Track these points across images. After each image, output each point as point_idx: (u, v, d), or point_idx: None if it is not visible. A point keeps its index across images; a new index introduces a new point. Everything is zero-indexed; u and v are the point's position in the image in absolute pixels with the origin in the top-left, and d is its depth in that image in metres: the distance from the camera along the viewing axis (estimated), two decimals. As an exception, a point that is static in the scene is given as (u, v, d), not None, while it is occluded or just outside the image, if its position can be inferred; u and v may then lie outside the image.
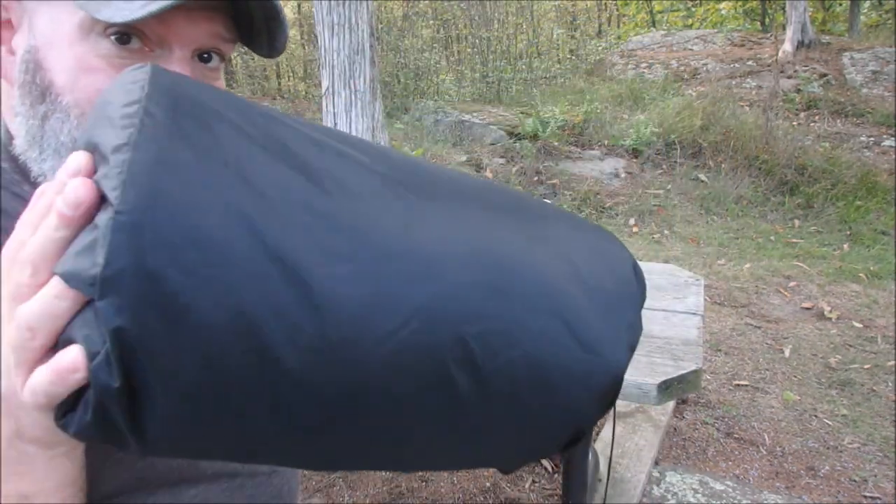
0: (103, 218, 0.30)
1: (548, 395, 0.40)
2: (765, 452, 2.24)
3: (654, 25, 12.42)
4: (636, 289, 0.47)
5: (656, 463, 2.12)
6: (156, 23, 0.51)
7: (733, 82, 7.33)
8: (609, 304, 0.44)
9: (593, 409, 0.43)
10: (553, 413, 0.41)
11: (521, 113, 6.57)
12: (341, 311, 0.33)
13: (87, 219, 0.32)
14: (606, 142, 6.02)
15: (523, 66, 9.01)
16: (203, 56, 0.57)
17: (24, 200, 0.55)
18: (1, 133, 0.58)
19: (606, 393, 0.42)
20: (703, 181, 5.53)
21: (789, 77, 7.25)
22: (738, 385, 2.69)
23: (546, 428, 0.42)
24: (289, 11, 12.56)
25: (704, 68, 7.97)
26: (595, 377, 0.41)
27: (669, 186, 5.49)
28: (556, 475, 2.08)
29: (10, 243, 0.36)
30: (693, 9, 12.42)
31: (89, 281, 0.29)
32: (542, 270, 0.41)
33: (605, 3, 13.43)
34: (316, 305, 0.33)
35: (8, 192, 0.55)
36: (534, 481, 2.06)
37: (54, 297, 0.32)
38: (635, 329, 0.45)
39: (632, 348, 0.44)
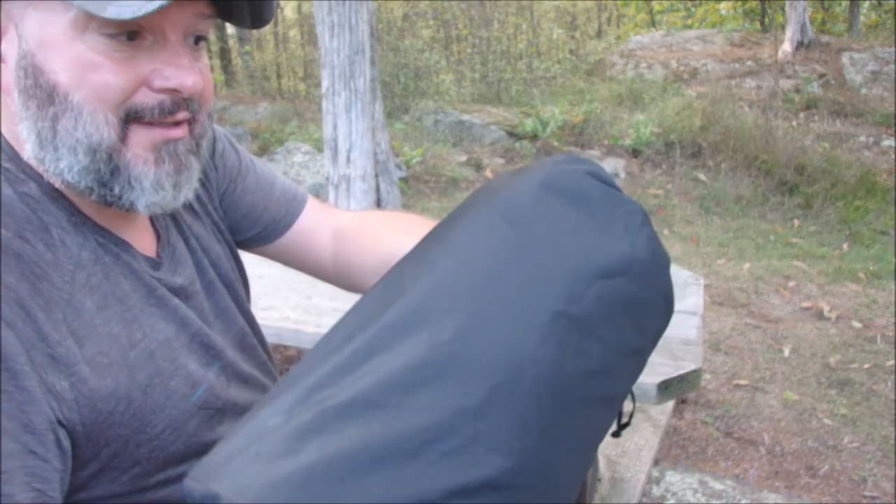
0: None
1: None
2: (764, 452, 2.24)
3: (653, 25, 12.42)
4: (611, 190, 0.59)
5: (656, 462, 2.12)
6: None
7: (733, 82, 7.33)
8: (599, 222, 0.55)
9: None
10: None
11: (521, 113, 6.57)
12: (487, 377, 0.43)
13: None
14: (606, 142, 6.02)
15: (523, 67, 9.01)
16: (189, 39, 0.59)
17: (30, 198, 0.57)
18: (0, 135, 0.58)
19: (654, 240, 0.56)
20: (702, 181, 5.53)
21: (789, 77, 7.25)
22: (738, 385, 2.69)
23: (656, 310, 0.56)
24: (289, 11, 12.56)
25: (704, 68, 7.97)
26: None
27: (669, 186, 5.49)
28: (555, 475, 2.08)
29: None
30: (693, 9, 12.43)
31: None
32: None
33: (605, 3, 13.44)
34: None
35: (15, 191, 0.56)
36: (534, 481, 2.07)
37: None
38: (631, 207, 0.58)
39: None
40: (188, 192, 0.62)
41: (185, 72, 0.56)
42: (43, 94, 0.53)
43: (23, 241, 0.53)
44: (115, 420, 0.55)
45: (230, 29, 12.06)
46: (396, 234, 0.79)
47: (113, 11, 0.50)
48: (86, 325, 0.55)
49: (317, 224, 0.89)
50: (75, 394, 0.52)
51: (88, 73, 0.53)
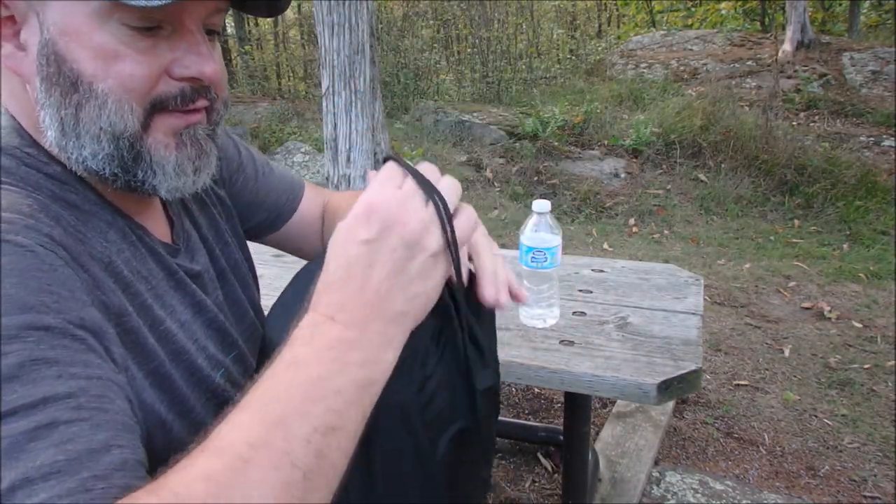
0: None
1: None
2: (765, 452, 2.24)
3: (654, 25, 12.40)
4: None
5: (656, 463, 2.12)
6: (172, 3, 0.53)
7: (733, 82, 7.33)
8: None
9: None
10: None
11: (521, 113, 6.56)
12: None
13: None
14: (606, 142, 6.02)
15: (523, 67, 9.00)
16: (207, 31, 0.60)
17: (56, 180, 0.57)
18: (1, 122, 0.59)
19: None
20: (703, 181, 5.53)
21: (789, 77, 7.25)
22: (738, 385, 2.69)
23: None
24: (289, 11, 12.54)
25: (704, 68, 7.96)
26: None
27: (669, 186, 5.49)
28: (556, 475, 2.08)
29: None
30: (693, 9, 12.41)
31: None
32: None
33: (605, 3, 13.43)
34: None
35: (40, 173, 0.57)
36: (534, 481, 2.06)
37: None
38: None
39: None
40: (206, 176, 0.64)
41: (204, 60, 0.57)
42: (66, 82, 0.54)
43: (60, 208, 0.54)
44: (158, 381, 0.56)
45: (230, 29, 12.04)
46: (352, 198, 0.86)
47: (142, 0, 0.50)
48: (122, 291, 0.56)
49: (315, 210, 0.93)
50: (122, 343, 0.53)
51: (112, 63, 0.54)
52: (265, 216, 0.89)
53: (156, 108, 0.57)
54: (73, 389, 0.42)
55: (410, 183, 0.52)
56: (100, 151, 0.56)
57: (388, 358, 0.51)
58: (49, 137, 0.56)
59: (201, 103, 0.60)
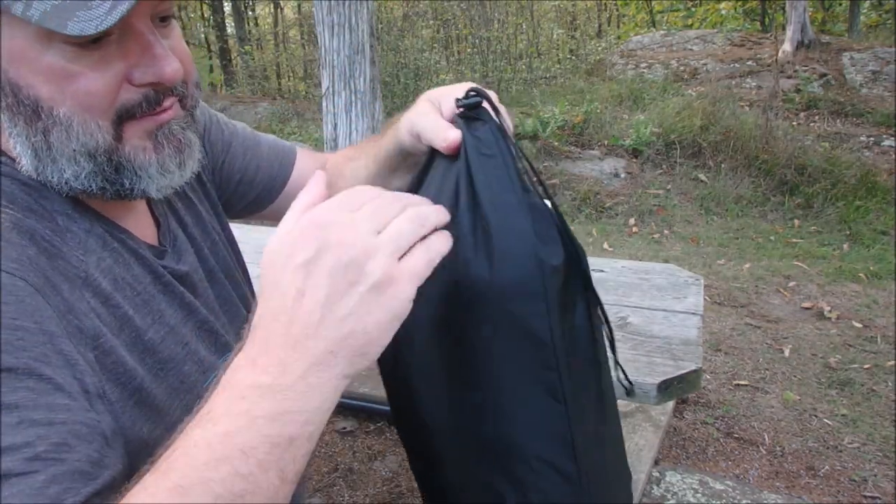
0: None
1: None
2: (765, 452, 2.24)
3: (654, 25, 12.41)
4: None
5: (656, 463, 2.12)
6: None
7: (733, 82, 7.33)
8: None
9: None
10: None
11: (521, 113, 6.56)
12: None
13: None
14: (606, 142, 6.02)
15: (523, 67, 9.01)
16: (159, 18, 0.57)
17: (30, 188, 0.56)
18: None
19: None
20: (703, 181, 5.53)
21: (789, 77, 7.25)
22: (738, 385, 2.69)
23: None
24: (289, 11, 12.56)
25: (704, 68, 7.96)
26: None
27: (669, 186, 5.49)
28: (555, 475, 2.08)
29: None
30: (693, 9, 12.41)
31: None
32: None
33: (605, 3, 13.44)
34: None
35: (14, 181, 0.55)
36: (534, 481, 2.06)
37: None
38: None
39: None
40: (193, 164, 0.63)
41: (161, 62, 0.55)
42: (27, 110, 0.52)
43: (34, 221, 0.53)
44: (140, 399, 0.55)
45: (230, 28, 12.05)
46: (348, 161, 0.87)
47: (76, 28, 0.48)
48: (101, 305, 0.55)
49: (310, 173, 0.91)
50: (100, 367, 0.51)
51: (66, 84, 0.52)
52: (258, 190, 0.87)
53: (123, 118, 0.55)
54: (31, 438, 0.41)
55: (369, 208, 0.46)
56: (81, 171, 0.55)
57: (313, 407, 0.43)
58: (25, 166, 0.55)
59: (169, 102, 0.58)
